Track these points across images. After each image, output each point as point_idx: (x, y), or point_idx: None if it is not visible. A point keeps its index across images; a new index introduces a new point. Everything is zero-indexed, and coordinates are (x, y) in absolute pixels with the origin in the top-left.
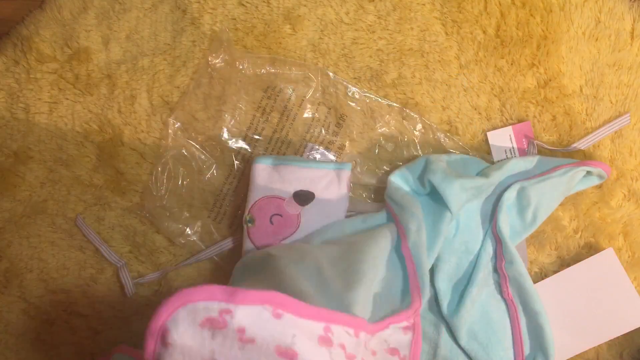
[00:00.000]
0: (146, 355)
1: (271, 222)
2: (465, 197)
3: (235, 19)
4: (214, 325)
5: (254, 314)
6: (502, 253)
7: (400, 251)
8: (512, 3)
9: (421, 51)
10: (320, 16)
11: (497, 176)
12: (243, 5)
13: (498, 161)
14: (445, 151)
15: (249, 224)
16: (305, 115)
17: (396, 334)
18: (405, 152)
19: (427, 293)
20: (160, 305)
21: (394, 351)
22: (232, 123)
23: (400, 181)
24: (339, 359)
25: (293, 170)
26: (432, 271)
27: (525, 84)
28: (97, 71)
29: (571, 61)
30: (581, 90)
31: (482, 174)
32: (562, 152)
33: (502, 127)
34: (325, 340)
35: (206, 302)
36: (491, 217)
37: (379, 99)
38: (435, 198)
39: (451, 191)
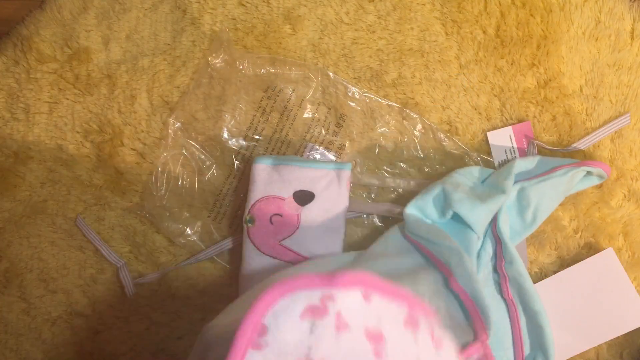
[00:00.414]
0: (232, 357)
1: (271, 222)
2: (490, 218)
3: (235, 19)
4: (315, 315)
5: (350, 296)
6: (502, 253)
7: (450, 288)
8: (512, 3)
9: (421, 51)
10: (320, 16)
11: (510, 183)
12: (243, 5)
13: (499, 163)
14: (445, 151)
15: (249, 224)
16: (305, 115)
17: None
18: (405, 152)
19: (492, 324)
20: (259, 298)
21: None
22: (232, 123)
23: (417, 213)
24: (425, 344)
25: (293, 170)
26: None
27: (525, 84)
28: (97, 71)
29: (571, 61)
30: (581, 90)
31: (494, 184)
32: (562, 152)
33: (502, 127)
34: (412, 323)
35: (307, 290)
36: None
37: (379, 99)
38: (456, 218)
39: (479, 218)
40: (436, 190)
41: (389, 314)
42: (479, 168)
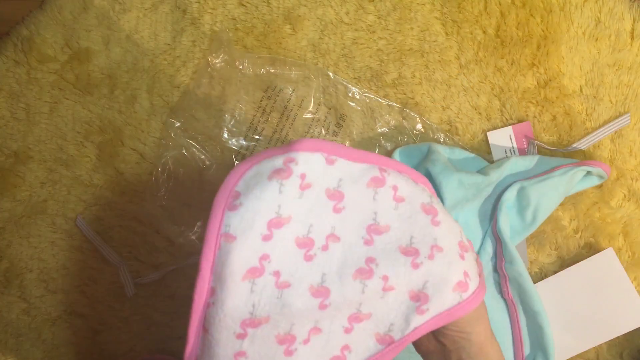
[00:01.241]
0: (211, 224)
1: None
2: (462, 194)
3: (235, 19)
4: (281, 175)
5: (312, 159)
6: (502, 253)
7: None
8: (512, 3)
9: (421, 51)
10: (320, 16)
11: (497, 174)
12: (243, 5)
13: (498, 160)
14: None
15: None
16: (305, 115)
17: None
18: None
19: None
20: (230, 173)
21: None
22: (232, 123)
23: (402, 159)
24: (384, 199)
25: None
26: None
27: (525, 84)
28: (97, 71)
29: (571, 61)
30: (581, 90)
31: (482, 171)
32: (562, 152)
33: (502, 127)
34: (377, 181)
35: (270, 158)
36: (490, 217)
37: (379, 99)
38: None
39: (448, 184)
40: (423, 146)
41: (351, 176)
42: (473, 156)
